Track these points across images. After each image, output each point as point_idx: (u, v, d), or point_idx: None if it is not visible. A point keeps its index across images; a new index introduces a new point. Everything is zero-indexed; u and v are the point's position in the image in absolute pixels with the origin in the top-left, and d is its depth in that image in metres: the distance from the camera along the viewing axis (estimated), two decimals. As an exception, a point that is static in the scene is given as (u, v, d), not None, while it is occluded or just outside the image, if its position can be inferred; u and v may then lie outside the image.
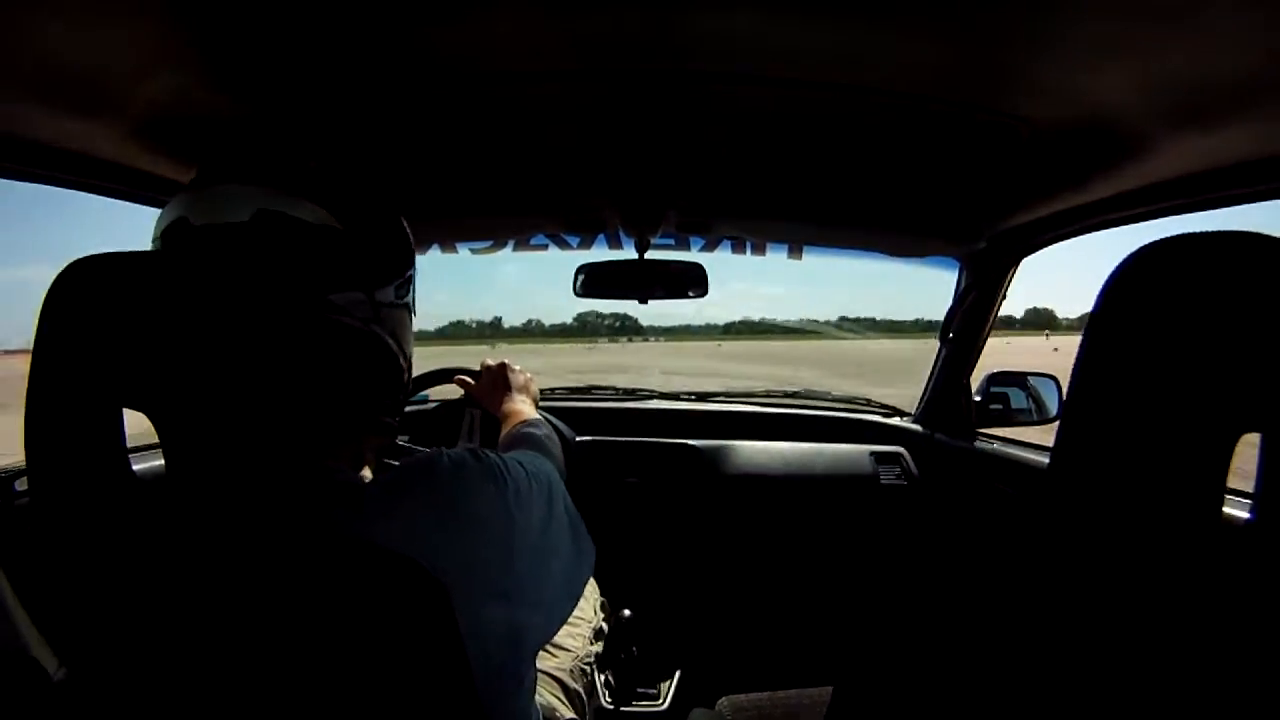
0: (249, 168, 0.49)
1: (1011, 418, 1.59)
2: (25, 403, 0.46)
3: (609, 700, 1.25)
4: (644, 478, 1.66)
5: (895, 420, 1.87)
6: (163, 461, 0.50)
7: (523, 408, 0.98)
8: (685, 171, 1.22)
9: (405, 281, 0.56)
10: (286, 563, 0.43)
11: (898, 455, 1.71)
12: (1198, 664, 0.36)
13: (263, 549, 0.43)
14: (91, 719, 0.41)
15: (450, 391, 1.63)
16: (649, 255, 1.51)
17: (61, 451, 0.46)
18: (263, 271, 0.46)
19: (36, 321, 0.46)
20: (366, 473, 0.60)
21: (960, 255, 1.57)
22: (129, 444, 0.50)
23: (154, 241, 0.49)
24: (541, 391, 1.98)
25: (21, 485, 0.92)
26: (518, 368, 1.08)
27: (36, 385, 0.45)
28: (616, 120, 1.01)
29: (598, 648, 1.24)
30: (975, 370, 1.64)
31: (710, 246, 1.62)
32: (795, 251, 1.62)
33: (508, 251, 1.68)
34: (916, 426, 1.78)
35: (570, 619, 0.81)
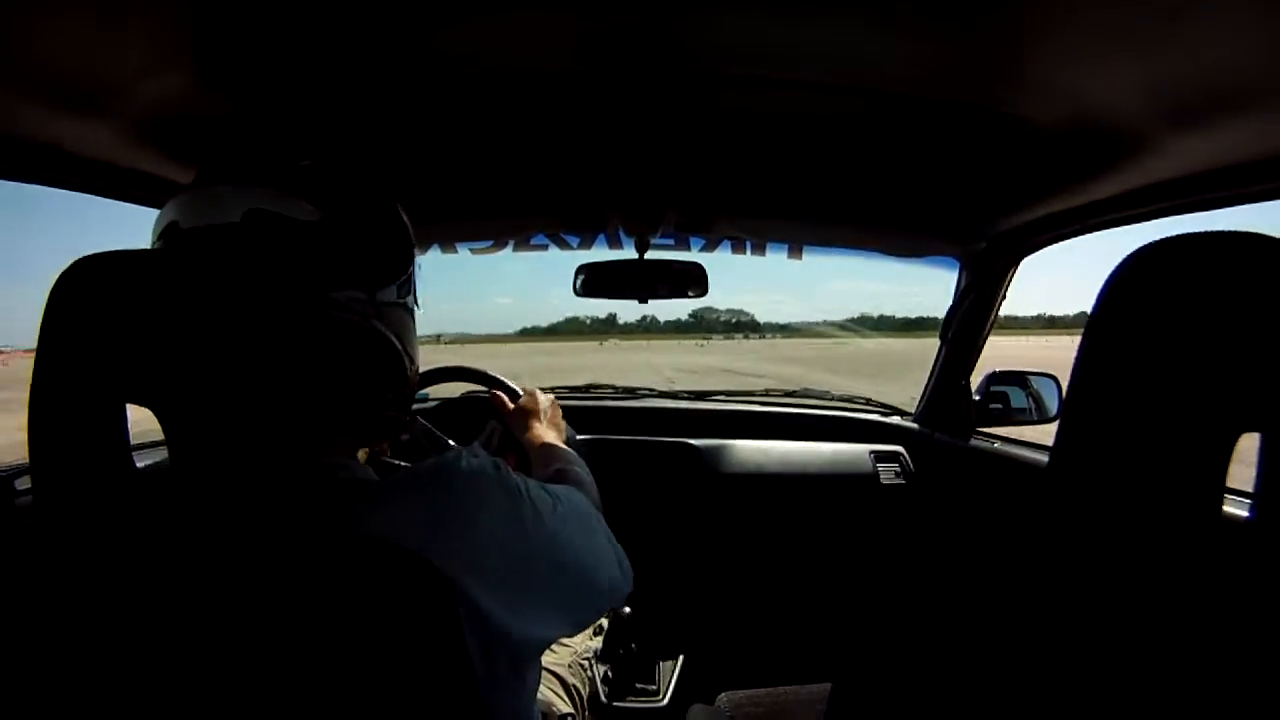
0: (240, 168, 0.50)
1: (1011, 417, 1.59)
2: (29, 399, 0.46)
3: (608, 696, 1.26)
4: (643, 476, 1.67)
5: (895, 419, 1.87)
6: (167, 457, 0.51)
7: (555, 442, 0.96)
8: (685, 171, 1.22)
9: (406, 280, 0.56)
10: (285, 556, 0.43)
11: (897, 454, 1.71)
12: (1197, 662, 0.36)
13: (262, 543, 0.43)
14: (93, 715, 0.41)
15: (449, 390, 1.63)
16: (649, 255, 1.51)
17: (64, 447, 0.46)
18: (254, 271, 0.47)
19: (40, 319, 0.47)
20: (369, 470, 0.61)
21: (960, 255, 1.57)
22: (141, 441, 0.51)
23: (153, 245, 0.50)
24: (540, 390, 1.99)
25: (22, 484, 0.92)
26: (550, 398, 1.07)
27: (40, 381, 0.46)
28: (617, 120, 1.01)
29: (597, 643, 1.24)
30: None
31: (710, 246, 1.62)
32: (795, 251, 1.62)
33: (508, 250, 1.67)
34: (916, 426, 1.79)
35: None
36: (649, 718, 1.33)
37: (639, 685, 1.33)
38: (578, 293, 1.57)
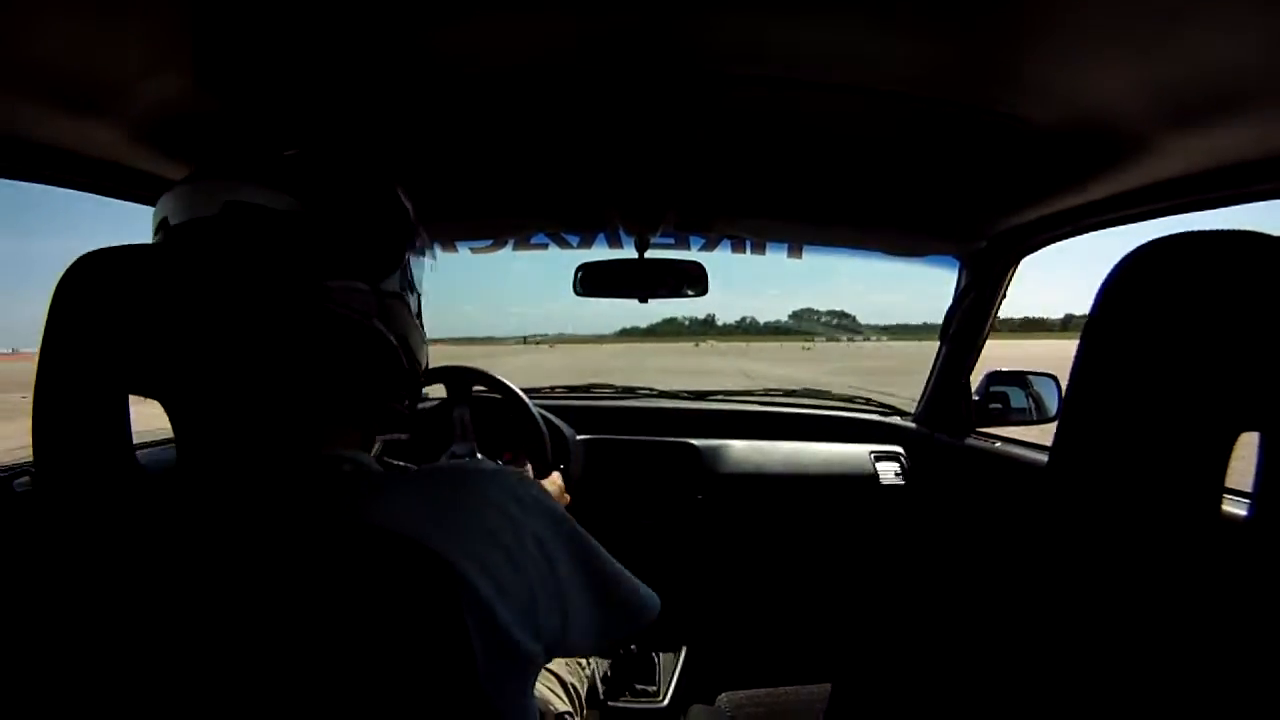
0: (223, 163, 0.50)
1: (1011, 417, 1.59)
2: (33, 393, 0.46)
3: (607, 695, 1.26)
4: (644, 476, 1.67)
5: (895, 419, 1.87)
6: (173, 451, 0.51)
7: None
8: (685, 171, 1.22)
9: (401, 268, 0.55)
10: (281, 544, 0.43)
11: (897, 454, 1.71)
12: (1197, 660, 0.36)
13: (260, 532, 0.43)
14: (95, 711, 0.41)
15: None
16: (649, 254, 1.51)
17: (68, 440, 0.46)
18: (234, 263, 0.47)
19: (45, 315, 0.47)
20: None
21: (960, 254, 1.57)
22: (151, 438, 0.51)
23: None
24: (540, 390, 1.99)
25: (22, 485, 0.92)
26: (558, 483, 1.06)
27: (44, 376, 0.46)
28: (617, 120, 1.01)
29: None
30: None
31: (710, 246, 1.63)
32: (795, 251, 1.62)
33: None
34: (916, 426, 1.79)
35: None
36: (649, 718, 1.33)
37: (639, 686, 1.33)
38: (578, 292, 1.57)
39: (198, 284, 0.46)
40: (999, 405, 1.60)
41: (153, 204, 0.52)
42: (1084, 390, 0.40)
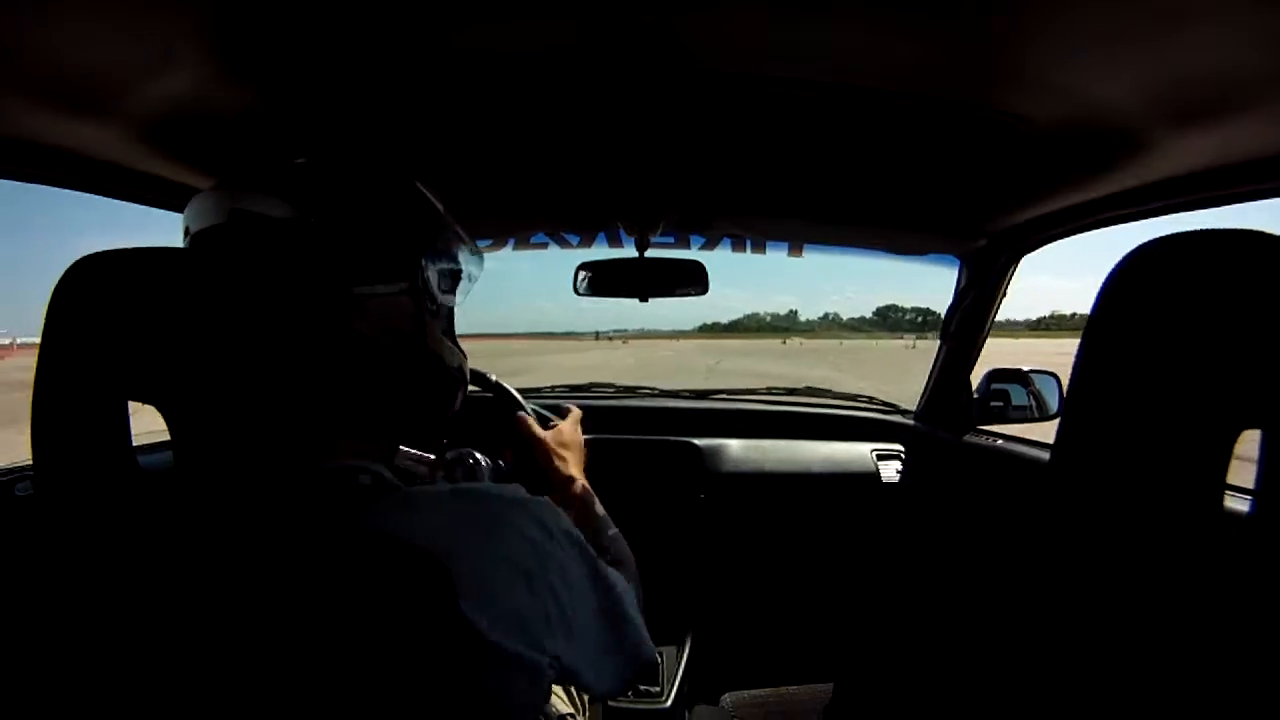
0: (231, 172, 0.50)
1: (1012, 414, 1.59)
2: (32, 397, 0.46)
3: (611, 697, 1.26)
4: (645, 476, 1.67)
5: (896, 417, 1.87)
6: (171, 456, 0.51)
7: (588, 493, 0.89)
8: (685, 170, 1.22)
9: (412, 276, 0.54)
10: (283, 550, 0.43)
11: (898, 452, 1.71)
12: (1199, 655, 0.36)
13: (261, 539, 0.43)
14: (98, 712, 0.41)
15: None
16: (649, 253, 1.51)
17: (68, 444, 0.46)
18: (239, 270, 0.47)
19: (44, 318, 0.47)
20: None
21: (960, 253, 1.57)
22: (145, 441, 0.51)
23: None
24: (541, 390, 1.99)
25: (23, 489, 0.92)
26: (578, 430, 0.99)
27: (44, 379, 0.46)
28: (617, 119, 1.01)
29: None
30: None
31: (710, 244, 1.63)
32: (795, 249, 1.62)
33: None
34: (918, 423, 1.79)
35: None
36: (653, 718, 1.33)
37: (642, 686, 1.33)
38: (578, 291, 1.57)
39: (204, 290, 0.46)
40: (1000, 403, 1.60)
41: (156, 205, 0.52)
42: (1087, 388, 0.40)
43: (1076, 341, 0.42)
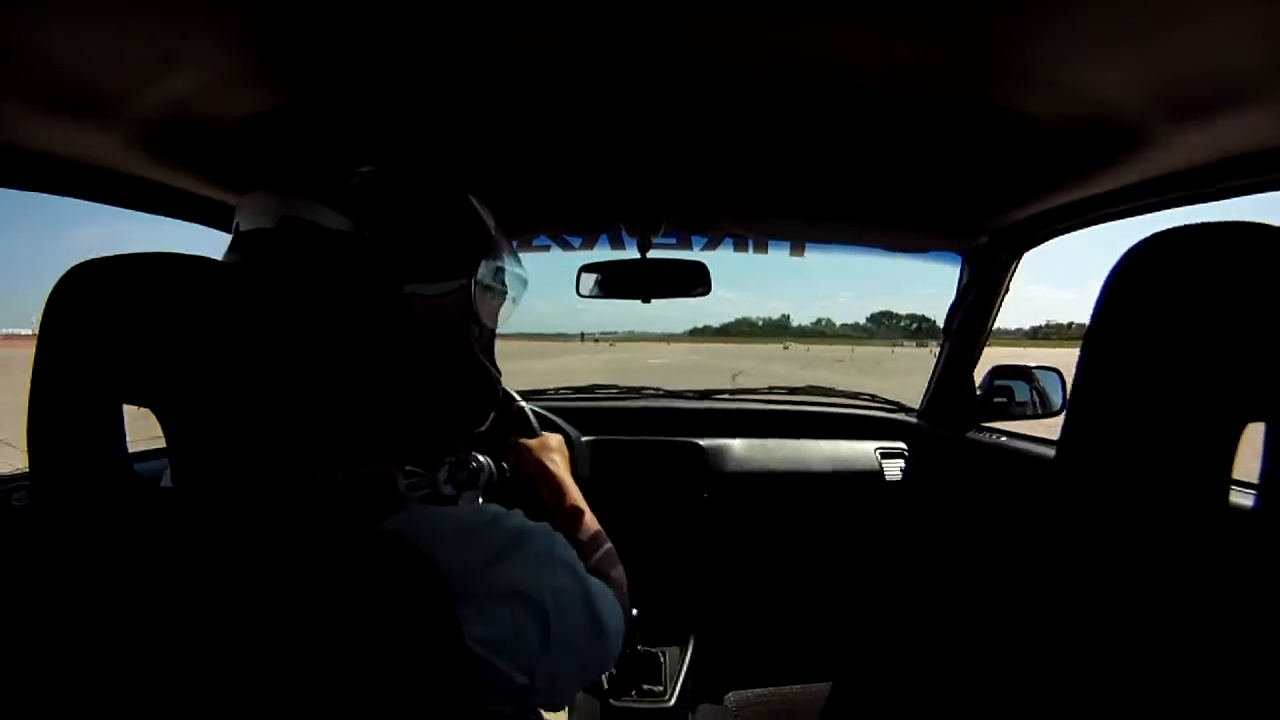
0: (281, 175, 0.51)
1: (1015, 411, 1.59)
2: (28, 404, 0.46)
3: (613, 695, 1.26)
4: (649, 476, 1.67)
5: (899, 416, 1.87)
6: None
7: (576, 491, 0.91)
8: (686, 171, 1.22)
9: (460, 294, 0.54)
10: (280, 552, 0.43)
11: (902, 451, 1.71)
12: (1205, 651, 0.36)
13: (260, 544, 0.44)
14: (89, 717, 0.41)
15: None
16: (651, 254, 1.51)
17: (64, 449, 0.46)
18: (286, 276, 0.48)
19: (40, 324, 0.47)
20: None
21: (962, 250, 1.57)
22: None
23: None
24: (544, 391, 1.99)
25: (19, 500, 0.92)
26: (559, 439, 1.03)
27: (39, 385, 0.46)
28: (617, 121, 1.01)
29: None
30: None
31: (712, 245, 1.63)
32: (797, 249, 1.62)
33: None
34: (921, 422, 1.78)
35: None
36: (656, 717, 1.33)
37: (645, 685, 1.33)
38: (581, 293, 1.58)
39: (241, 293, 0.46)
40: (1003, 399, 1.60)
41: (158, 213, 0.52)
42: (1091, 383, 0.40)
43: (1074, 350, 0.42)
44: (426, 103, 0.93)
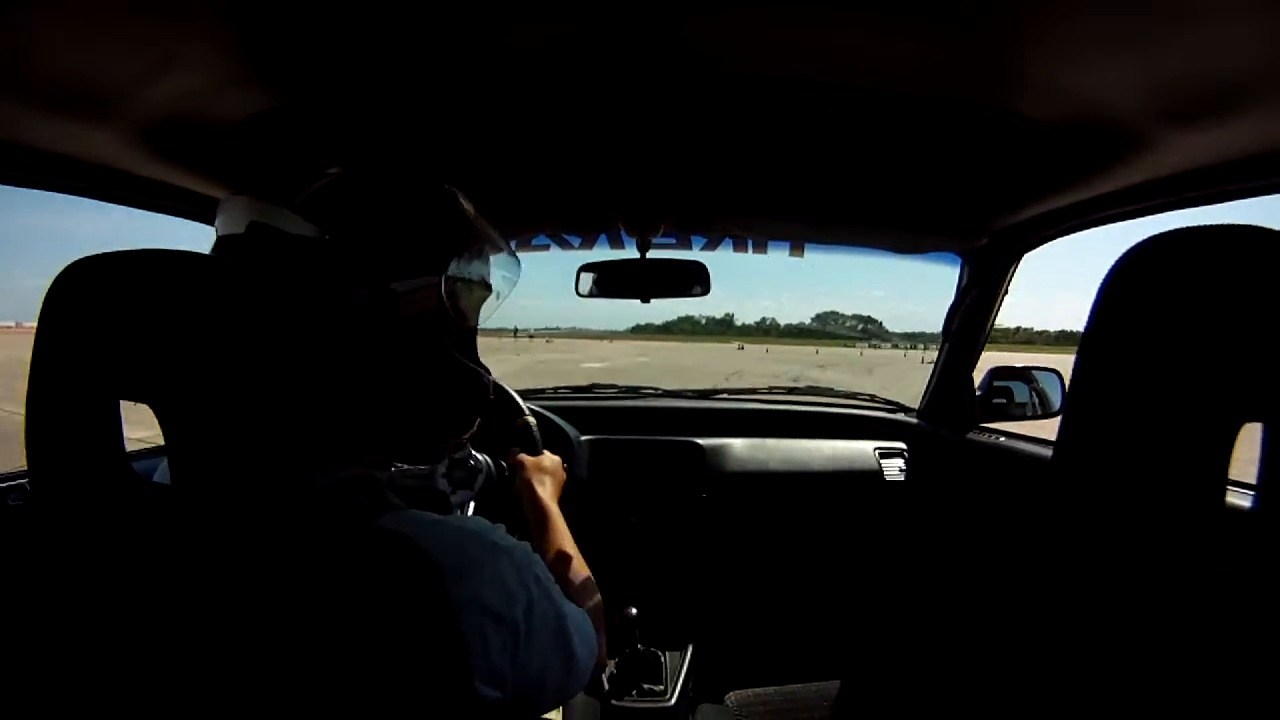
0: (251, 180, 0.51)
1: (1014, 412, 1.59)
2: (26, 401, 0.46)
3: (614, 695, 1.26)
4: (649, 476, 1.67)
5: (899, 416, 1.87)
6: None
7: (559, 518, 0.92)
8: (686, 171, 1.22)
9: (435, 293, 0.54)
10: (274, 547, 0.43)
11: (901, 451, 1.71)
12: (1203, 651, 0.36)
13: (252, 541, 0.44)
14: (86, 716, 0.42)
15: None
16: (650, 255, 1.51)
17: (62, 446, 0.46)
18: (255, 282, 0.47)
19: (37, 321, 0.47)
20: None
21: (962, 251, 1.57)
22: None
23: None
24: (545, 390, 1.99)
25: (15, 500, 0.92)
26: (557, 460, 1.03)
27: (37, 382, 0.46)
28: (617, 120, 1.01)
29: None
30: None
31: (712, 245, 1.63)
32: (797, 249, 1.62)
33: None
34: (920, 422, 1.79)
35: None
36: (657, 717, 1.33)
37: (646, 685, 1.33)
38: (580, 293, 1.58)
39: (218, 297, 0.46)
40: (1002, 400, 1.60)
41: (159, 211, 0.52)
42: (1088, 384, 0.40)
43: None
44: (427, 103, 0.93)
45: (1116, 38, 0.66)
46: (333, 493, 0.49)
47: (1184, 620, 0.37)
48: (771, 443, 1.73)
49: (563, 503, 0.94)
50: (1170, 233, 0.38)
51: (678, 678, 1.38)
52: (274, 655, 0.41)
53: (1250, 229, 0.36)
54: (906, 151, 1.08)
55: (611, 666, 1.29)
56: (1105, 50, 0.69)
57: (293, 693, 0.41)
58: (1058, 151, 0.97)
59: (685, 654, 1.45)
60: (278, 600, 0.42)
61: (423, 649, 0.42)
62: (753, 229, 1.56)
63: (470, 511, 1.11)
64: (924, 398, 1.78)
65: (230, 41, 0.73)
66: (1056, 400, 1.54)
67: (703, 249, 1.64)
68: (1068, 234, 1.31)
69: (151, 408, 0.49)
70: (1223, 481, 0.35)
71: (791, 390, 2.13)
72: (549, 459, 1.01)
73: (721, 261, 1.58)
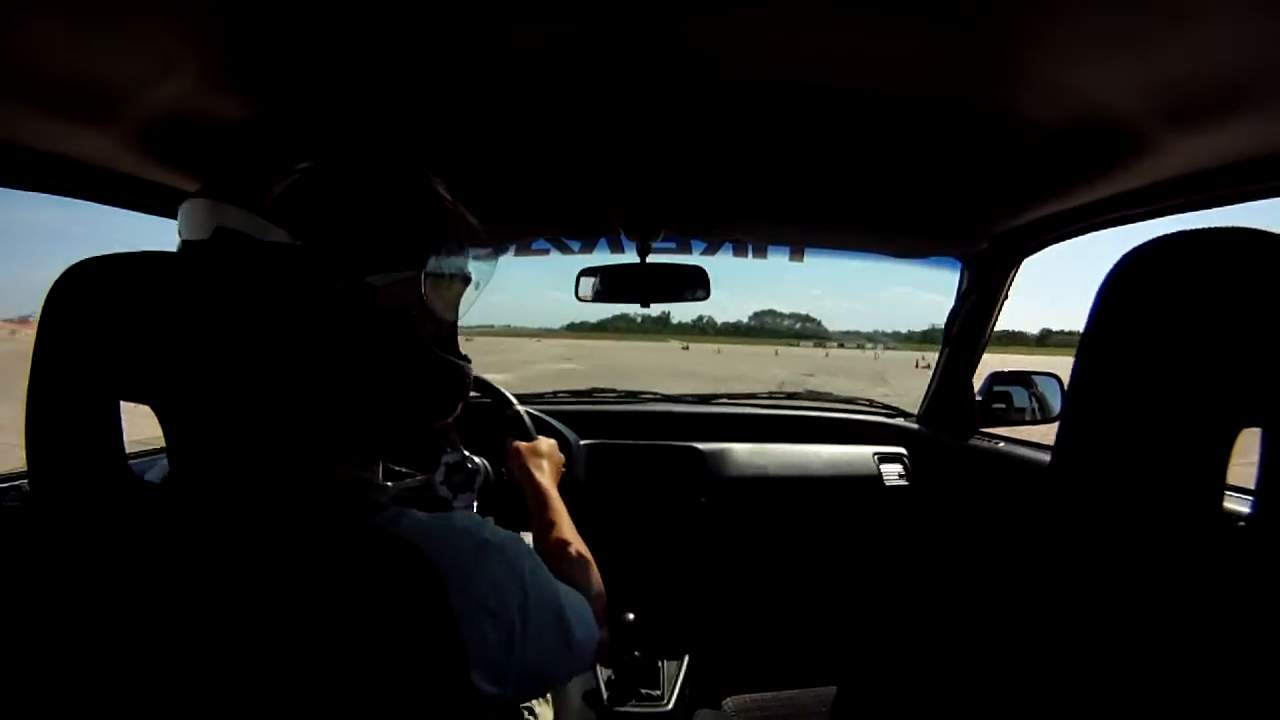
0: (216, 183, 0.49)
1: (1014, 417, 1.59)
2: (26, 401, 0.46)
3: (611, 700, 1.25)
4: (647, 480, 1.66)
5: (898, 421, 1.87)
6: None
7: (557, 495, 0.92)
8: (686, 175, 1.22)
9: (413, 285, 0.52)
10: (271, 546, 0.43)
11: (901, 456, 1.70)
12: (1201, 656, 0.36)
13: (249, 539, 0.44)
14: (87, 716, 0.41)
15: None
16: (650, 259, 1.51)
17: (61, 446, 0.46)
18: (226, 287, 0.46)
19: (38, 322, 0.47)
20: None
21: (962, 255, 1.57)
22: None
23: None
24: (543, 395, 1.99)
25: (12, 500, 0.92)
26: (552, 444, 1.03)
27: (37, 385, 0.46)
28: (617, 124, 1.01)
29: None
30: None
31: (712, 249, 1.63)
32: (797, 253, 1.62)
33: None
34: (919, 427, 1.78)
35: None
36: None
37: (643, 690, 1.33)
38: (580, 297, 1.58)
39: (197, 300, 0.46)
40: (1002, 405, 1.60)
41: (154, 213, 0.52)
42: (1086, 388, 0.40)
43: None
44: (426, 105, 0.93)
45: (1117, 39, 0.66)
46: (320, 492, 0.49)
47: (1183, 625, 0.36)
48: (770, 448, 1.72)
49: (562, 496, 0.93)
50: (1169, 236, 0.38)
51: (675, 683, 1.38)
52: (269, 655, 0.41)
53: (1249, 232, 0.35)
54: (907, 155, 1.08)
55: (609, 673, 1.29)
56: (1105, 52, 0.69)
57: (288, 693, 0.40)
58: (1058, 154, 0.97)
59: (683, 659, 1.44)
60: (271, 600, 0.42)
61: (419, 649, 0.42)
62: (753, 233, 1.56)
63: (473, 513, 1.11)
64: (923, 403, 1.78)
65: (229, 43, 0.73)
66: (1056, 405, 1.54)
67: (703, 253, 1.64)
68: (1068, 238, 1.31)
69: (152, 408, 0.49)
70: (1221, 486, 0.35)
71: (791, 395, 2.13)
72: (544, 443, 1.01)
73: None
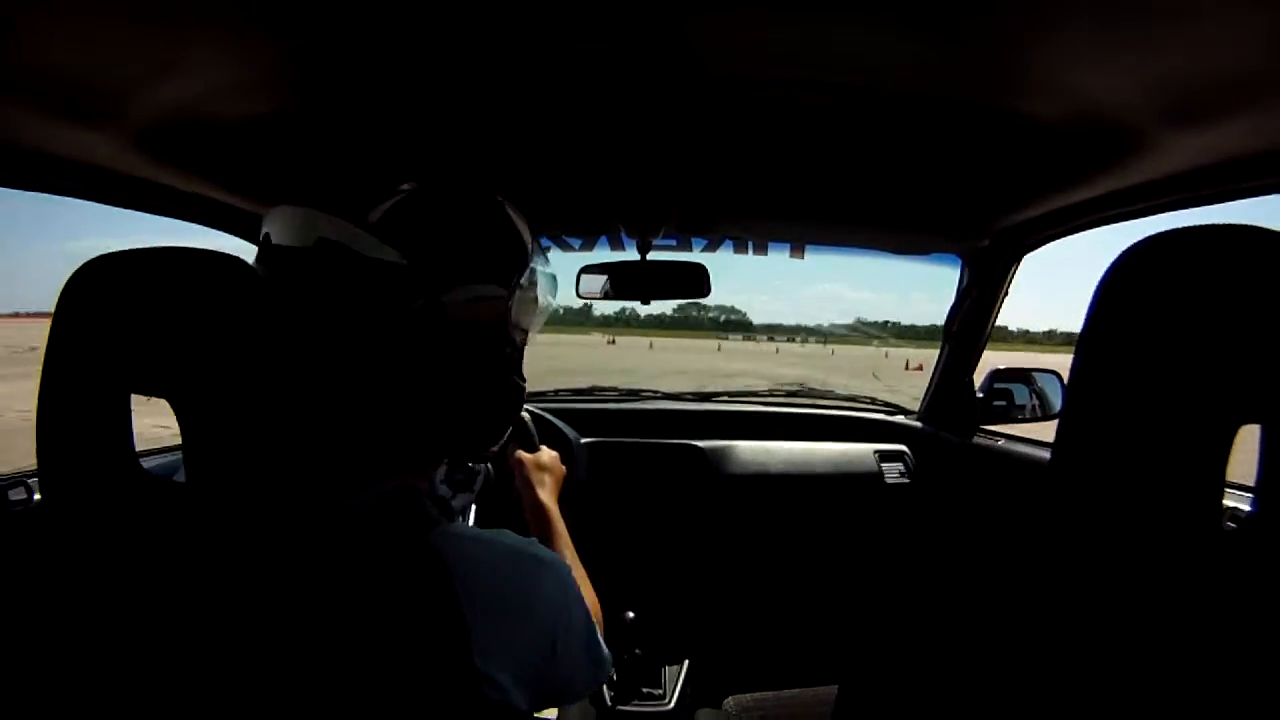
0: (319, 193, 0.51)
1: (1015, 414, 1.59)
2: (37, 399, 0.46)
3: (613, 700, 1.25)
4: (648, 479, 1.67)
5: (899, 418, 1.87)
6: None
7: (559, 519, 0.92)
8: (686, 173, 1.22)
9: (497, 314, 0.54)
10: (286, 545, 0.43)
11: (901, 453, 1.70)
12: (1202, 654, 0.36)
13: (270, 540, 0.44)
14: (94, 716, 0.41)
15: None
16: (651, 256, 1.51)
17: (72, 446, 0.46)
18: (320, 296, 0.48)
19: (51, 318, 0.46)
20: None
21: (962, 252, 1.57)
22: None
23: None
24: (544, 393, 1.99)
25: (16, 495, 0.92)
26: (555, 455, 1.03)
27: (49, 382, 0.46)
28: (618, 122, 1.01)
29: None
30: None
31: (712, 246, 1.63)
32: (797, 250, 1.62)
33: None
34: (920, 424, 1.78)
35: None
36: None
37: (645, 690, 1.33)
38: (580, 294, 1.58)
39: (226, 296, 0.46)
40: (1003, 403, 1.60)
41: (156, 213, 0.52)
42: (1085, 385, 0.40)
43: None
44: (428, 106, 0.93)
45: (1118, 37, 0.66)
46: (376, 505, 0.49)
47: (1183, 623, 0.36)
48: (771, 445, 1.72)
49: (562, 503, 0.93)
50: (1167, 233, 0.38)
51: (676, 682, 1.38)
52: (294, 665, 0.41)
53: (1248, 229, 0.35)
54: (907, 152, 1.08)
55: (612, 675, 1.29)
56: (1106, 49, 0.69)
57: (309, 703, 0.41)
58: (1059, 150, 0.97)
59: (684, 658, 1.45)
60: (326, 613, 0.42)
61: (457, 662, 0.43)
62: (753, 230, 1.55)
63: (471, 514, 1.11)
64: (924, 400, 1.78)
65: (233, 44, 0.73)
66: (1057, 402, 1.54)
67: (703, 250, 1.64)
68: (1069, 234, 1.31)
69: (170, 404, 0.48)
70: (1221, 482, 0.35)
71: (791, 393, 2.13)
72: (547, 455, 1.01)
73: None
